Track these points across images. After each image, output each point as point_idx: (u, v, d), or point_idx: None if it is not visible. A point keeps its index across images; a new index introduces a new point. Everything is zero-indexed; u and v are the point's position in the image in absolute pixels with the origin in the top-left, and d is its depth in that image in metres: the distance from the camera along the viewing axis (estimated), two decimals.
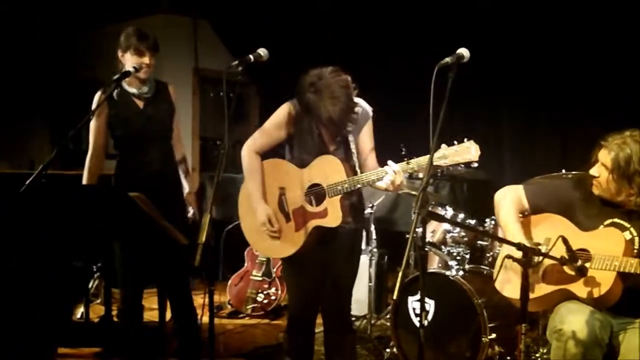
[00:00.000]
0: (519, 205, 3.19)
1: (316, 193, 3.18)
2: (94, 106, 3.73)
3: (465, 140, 2.87)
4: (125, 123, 3.79)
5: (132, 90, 3.79)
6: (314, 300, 3.39)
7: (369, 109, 3.30)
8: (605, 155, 2.94)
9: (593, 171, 2.99)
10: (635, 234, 2.92)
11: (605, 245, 2.86)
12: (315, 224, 3.15)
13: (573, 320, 2.84)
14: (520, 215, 3.19)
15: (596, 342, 2.82)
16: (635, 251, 2.89)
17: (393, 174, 2.97)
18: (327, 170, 3.16)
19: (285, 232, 3.24)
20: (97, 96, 3.77)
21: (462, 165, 2.87)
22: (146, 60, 3.72)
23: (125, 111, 3.79)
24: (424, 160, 2.91)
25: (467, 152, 2.82)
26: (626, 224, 2.95)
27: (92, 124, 3.81)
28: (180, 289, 3.97)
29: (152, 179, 3.73)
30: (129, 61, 3.71)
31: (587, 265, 2.81)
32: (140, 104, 3.81)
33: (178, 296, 3.95)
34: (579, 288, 2.88)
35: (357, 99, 3.19)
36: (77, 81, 8.37)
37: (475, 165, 2.84)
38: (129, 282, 3.85)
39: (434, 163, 2.84)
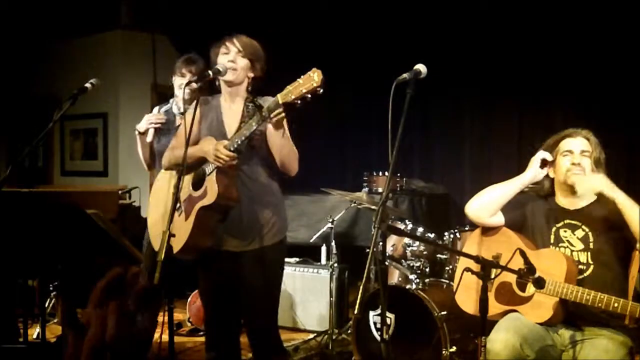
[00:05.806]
0: None
1: (198, 175, 3.12)
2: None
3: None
4: (162, 137, 3.99)
5: (175, 108, 4.03)
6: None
7: None
8: (580, 141, 3.09)
9: (576, 159, 3.04)
10: (587, 230, 3.01)
11: (549, 266, 2.89)
12: (198, 206, 3.06)
13: (497, 339, 2.86)
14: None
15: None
16: (591, 245, 2.97)
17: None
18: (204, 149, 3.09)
19: (180, 225, 3.11)
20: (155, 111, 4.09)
21: (310, 95, 2.74)
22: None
23: (165, 125, 4.01)
24: (272, 101, 2.84)
25: (310, 80, 2.72)
26: (578, 223, 3.04)
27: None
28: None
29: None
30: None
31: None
32: (180, 121, 3.94)
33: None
34: (525, 311, 2.95)
35: None
36: (34, 97, 8.27)
37: (321, 91, 2.72)
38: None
39: (281, 101, 2.79)
